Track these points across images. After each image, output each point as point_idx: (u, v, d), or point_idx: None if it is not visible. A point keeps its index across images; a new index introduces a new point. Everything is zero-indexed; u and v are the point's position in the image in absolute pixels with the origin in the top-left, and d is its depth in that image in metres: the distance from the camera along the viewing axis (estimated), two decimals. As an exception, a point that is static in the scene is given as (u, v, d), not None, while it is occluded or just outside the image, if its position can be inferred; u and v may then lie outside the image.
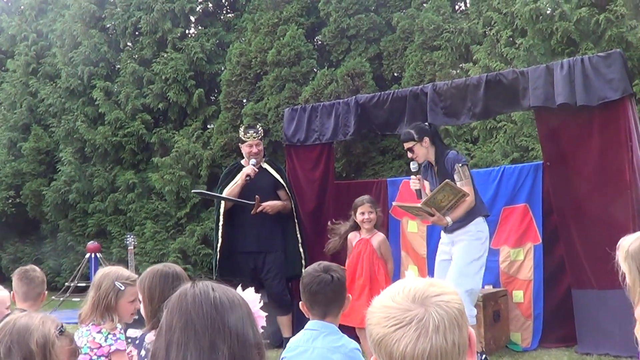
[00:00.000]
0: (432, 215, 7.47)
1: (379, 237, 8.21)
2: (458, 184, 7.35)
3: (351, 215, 8.34)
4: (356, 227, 8.35)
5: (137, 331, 4.78)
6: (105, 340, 4.83)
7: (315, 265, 4.33)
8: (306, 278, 4.27)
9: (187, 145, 15.77)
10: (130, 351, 4.76)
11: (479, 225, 7.55)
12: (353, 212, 8.31)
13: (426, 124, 8.10)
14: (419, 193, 7.95)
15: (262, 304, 2.80)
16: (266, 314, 2.80)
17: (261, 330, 2.38)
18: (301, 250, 9.30)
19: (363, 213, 8.22)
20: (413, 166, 7.92)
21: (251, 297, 2.61)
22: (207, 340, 2.18)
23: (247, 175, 8.96)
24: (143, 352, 4.36)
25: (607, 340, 7.82)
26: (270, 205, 9.01)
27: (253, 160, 9.10)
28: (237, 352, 2.19)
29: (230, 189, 9.08)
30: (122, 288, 4.88)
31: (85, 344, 4.74)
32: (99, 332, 4.84)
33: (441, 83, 9.06)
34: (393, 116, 9.33)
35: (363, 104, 9.53)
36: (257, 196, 8.88)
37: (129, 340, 4.85)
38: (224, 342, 2.18)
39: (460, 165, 7.50)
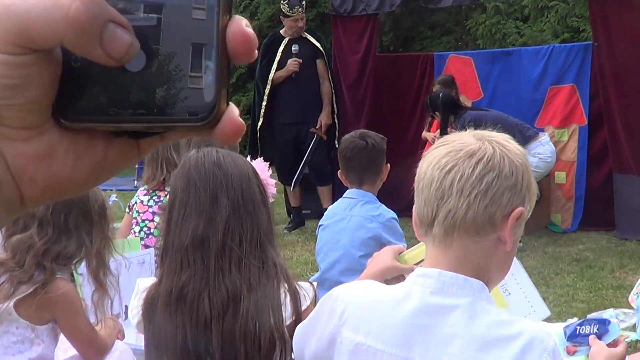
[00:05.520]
0: None
1: None
2: None
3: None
4: None
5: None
6: (149, 201, 4.79)
7: (352, 132, 4.30)
8: (342, 144, 4.25)
9: (234, 14, 15.68)
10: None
11: (530, 157, 7.69)
12: None
13: (440, 94, 8.24)
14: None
15: (270, 171, 2.86)
16: (275, 181, 2.88)
17: (271, 199, 2.42)
18: (336, 121, 9.29)
19: None
20: None
21: (259, 166, 2.65)
22: (208, 195, 2.22)
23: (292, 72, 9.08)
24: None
25: (646, 227, 7.79)
26: (325, 124, 9.18)
27: (295, 46, 9.04)
28: (240, 204, 2.23)
29: (277, 75, 9.08)
30: None
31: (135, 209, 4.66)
32: (146, 194, 4.80)
33: (494, -44, 8.84)
34: (440, -12, 9.14)
35: (412, -25, 9.33)
36: (310, 130, 9.04)
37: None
38: (226, 196, 2.22)
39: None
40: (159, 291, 2.22)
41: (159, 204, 4.60)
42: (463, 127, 7.72)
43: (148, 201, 4.67)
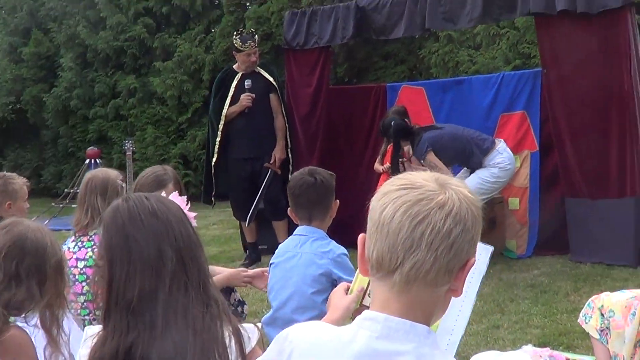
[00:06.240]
0: None
1: None
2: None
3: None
4: None
5: None
6: (74, 248, 4.61)
7: (301, 169, 4.30)
8: (291, 182, 4.25)
9: (189, 49, 15.70)
10: None
11: (491, 168, 8.02)
12: None
13: (392, 122, 8.35)
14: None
15: (189, 205, 2.87)
16: (195, 213, 2.87)
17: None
18: (289, 155, 9.32)
19: None
20: None
21: (178, 200, 2.63)
22: (151, 248, 2.16)
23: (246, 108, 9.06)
24: None
25: (600, 249, 7.87)
26: (279, 158, 9.22)
27: (248, 81, 9.07)
28: (183, 251, 2.19)
29: (231, 110, 9.10)
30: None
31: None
32: (73, 240, 4.63)
33: (442, -12, 8.91)
34: (390, 20, 9.16)
35: (363, 8, 9.38)
36: (264, 165, 9.07)
37: None
38: (169, 245, 2.17)
39: (422, 161, 8.12)
40: (103, 352, 2.15)
41: (89, 249, 4.55)
42: (423, 155, 7.81)
43: (73, 247, 4.61)
